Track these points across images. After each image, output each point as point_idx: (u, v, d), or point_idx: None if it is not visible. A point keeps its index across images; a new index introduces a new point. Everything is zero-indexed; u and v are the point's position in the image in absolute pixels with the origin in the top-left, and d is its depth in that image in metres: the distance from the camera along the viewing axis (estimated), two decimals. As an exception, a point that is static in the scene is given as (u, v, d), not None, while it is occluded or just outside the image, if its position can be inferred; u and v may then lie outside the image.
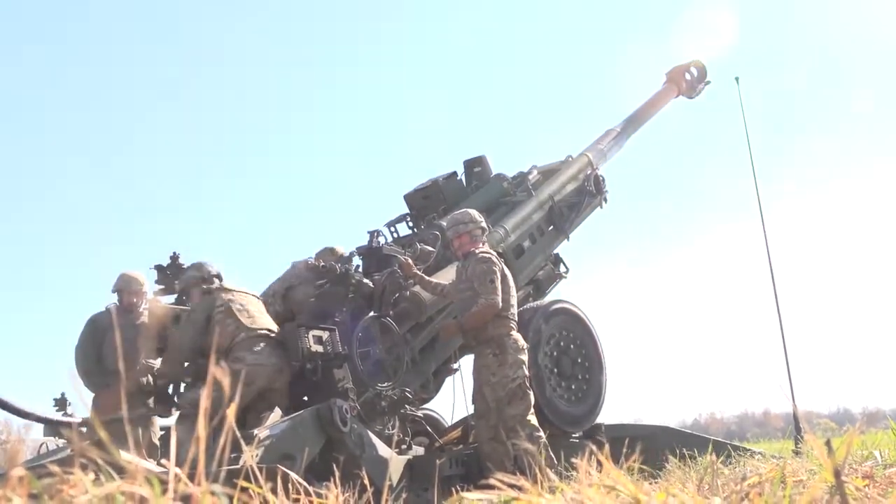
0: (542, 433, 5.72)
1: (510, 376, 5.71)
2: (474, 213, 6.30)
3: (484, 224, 6.29)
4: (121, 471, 1.39)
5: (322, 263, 6.30)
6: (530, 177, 8.52)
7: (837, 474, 1.60)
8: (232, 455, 4.07)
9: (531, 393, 5.80)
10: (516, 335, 5.89)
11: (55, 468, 1.31)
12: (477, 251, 6.01)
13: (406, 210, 8.12)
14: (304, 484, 2.72)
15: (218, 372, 1.30)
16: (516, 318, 6.02)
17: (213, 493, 1.34)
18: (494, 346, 5.77)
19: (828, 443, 1.81)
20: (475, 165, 8.53)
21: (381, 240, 6.78)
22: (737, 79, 10.41)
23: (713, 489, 2.57)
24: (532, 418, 5.72)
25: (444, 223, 6.58)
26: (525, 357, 5.86)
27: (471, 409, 6.33)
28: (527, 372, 5.82)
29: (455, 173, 8.31)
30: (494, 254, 6.17)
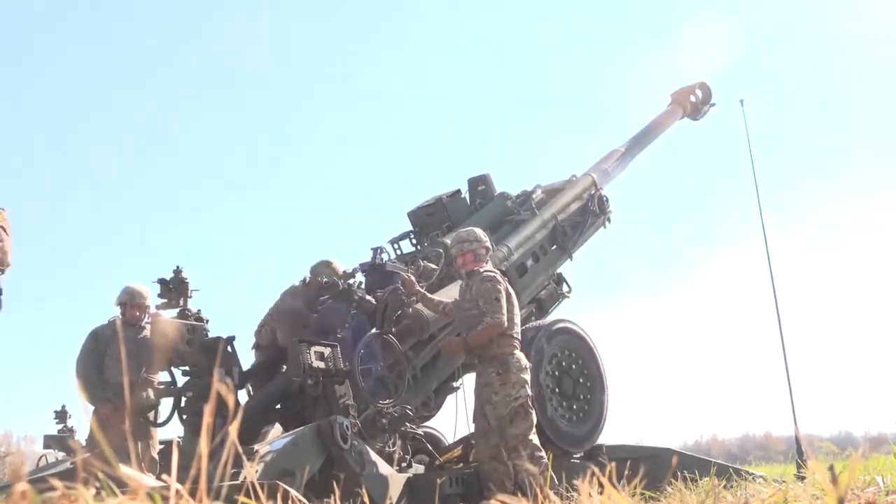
0: (543, 454, 5.68)
1: (513, 395, 5.68)
2: (479, 232, 6.28)
3: (489, 244, 6.26)
4: (122, 485, 1.39)
5: (321, 279, 6.32)
6: (534, 196, 8.53)
7: (841, 501, 1.59)
8: (232, 471, 4.06)
9: (533, 413, 5.77)
10: (519, 354, 5.86)
11: (57, 482, 1.31)
12: (481, 270, 6.00)
13: (410, 227, 8.13)
14: (304, 501, 2.72)
15: (222, 388, 1.30)
16: (520, 338, 6.00)
17: (214, 510, 1.33)
18: (498, 365, 5.74)
19: (831, 468, 1.80)
20: (479, 184, 8.53)
21: (384, 256, 6.78)
22: (741, 101, 10.48)
23: (715, 513, 2.56)
24: (534, 438, 5.69)
25: (448, 241, 6.54)
26: (528, 376, 5.83)
27: (472, 428, 6.31)
28: (529, 392, 5.79)
29: (459, 191, 8.32)
30: (499, 273, 6.17)
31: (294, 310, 6.56)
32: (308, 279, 6.64)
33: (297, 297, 6.60)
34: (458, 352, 6.09)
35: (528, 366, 5.89)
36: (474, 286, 5.91)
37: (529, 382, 5.83)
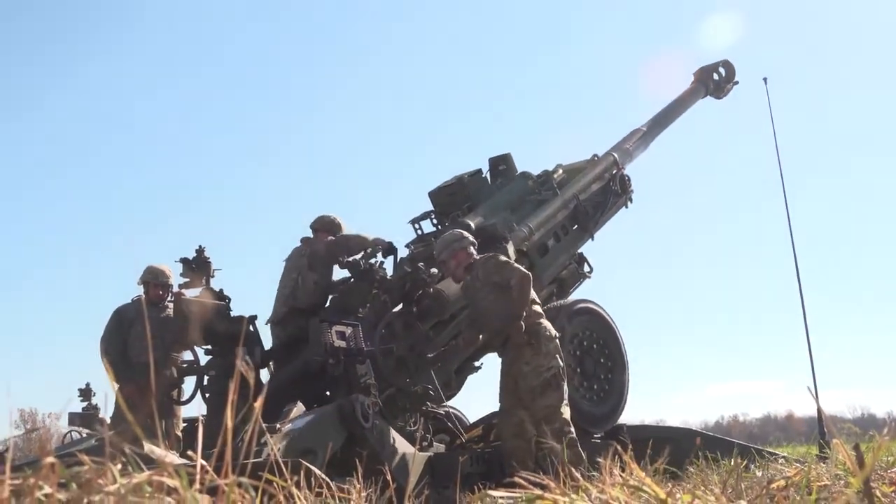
0: (572, 429, 5.67)
1: (545, 365, 5.65)
2: (461, 231, 6.33)
3: (472, 238, 6.27)
4: (148, 462, 1.40)
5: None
6: (555, 175, 8.49)
7: (867, 481, 1.58)
8: (255, 448, 4.09)
9: (565, 384, 5.75)
10: (546, 323, 5.84)
11: (84, 458, 1.32)
12: (478, 258, 6.02)
13: (430, 207, 8.12)
14: (327, 479, 2.73)
15: (243, 366, 1.30)
16: (541, 307, 5.97)
17: (240, 486, 1.34)
18: (529, 336, 5.71)
19: (856, 448, 1.79)
20: (500, 163, 8.50)
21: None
22: (765, 80, 10.36)
23: (738, 492, 2.55)
24: (565, 411, 5.66)
25: (435, 250, 6.35)
26: (557, 345, 5.82)
27: (490, 408, 6.32)
28: (561, 362, 5.77)
29: (480, 171, 8.29)
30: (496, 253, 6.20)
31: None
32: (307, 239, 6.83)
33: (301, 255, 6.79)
34: (518, 332, 5.75)
35: (556, 335, 5.86)
36: (479, 274, 5.90)
37: (561, 353, 5.82)
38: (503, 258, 5.97)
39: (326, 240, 6.76)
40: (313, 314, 6.43)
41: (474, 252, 6.10)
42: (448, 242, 6.12)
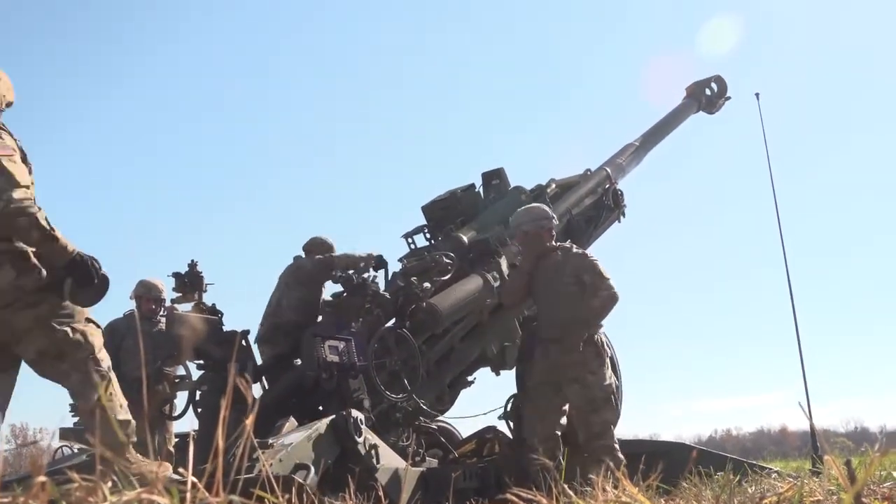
0: (618, 447, 5.59)
1: (608, 379, 5.61)
2: (548, 209, 6.29)
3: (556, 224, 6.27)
4: (140, 478, 1.40)
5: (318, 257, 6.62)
6: (548, 190, 8.49)
7: (858, 496, 1.59)
8: (247, 464, 4.08)
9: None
10: (606, 337, 5.83)
11: (74, 475, 1.32)
12: (569, 247, 6.01)
13: (423, 221, 8.12)
14: (319, 495, 2.72)
15: (240, 382, 1.30)
16: None
17: (231, 503, 1.34)
18: (594, 345, 5.64)
19: (847, 463, 1.80)
20: (493, 178, 8.50)
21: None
22: (757, 95, 10.40)
23: (730, 507, 2.56)
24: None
25: (517, 218, 6.28)
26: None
27: (483, 423, 6.30)
28: (618, 381, 5.77)
29: (473, 185, 8.30)
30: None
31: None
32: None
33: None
34: (581, 340, 5.63)
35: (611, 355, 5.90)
36: (570, 262, 5.82)
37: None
38: (603, 265, 5.82)
39: (315, 258, 6.77)
40: (297, 331, 6.45)
41: (554, 236, 6.08)
42: (538, 216, 6.07)
